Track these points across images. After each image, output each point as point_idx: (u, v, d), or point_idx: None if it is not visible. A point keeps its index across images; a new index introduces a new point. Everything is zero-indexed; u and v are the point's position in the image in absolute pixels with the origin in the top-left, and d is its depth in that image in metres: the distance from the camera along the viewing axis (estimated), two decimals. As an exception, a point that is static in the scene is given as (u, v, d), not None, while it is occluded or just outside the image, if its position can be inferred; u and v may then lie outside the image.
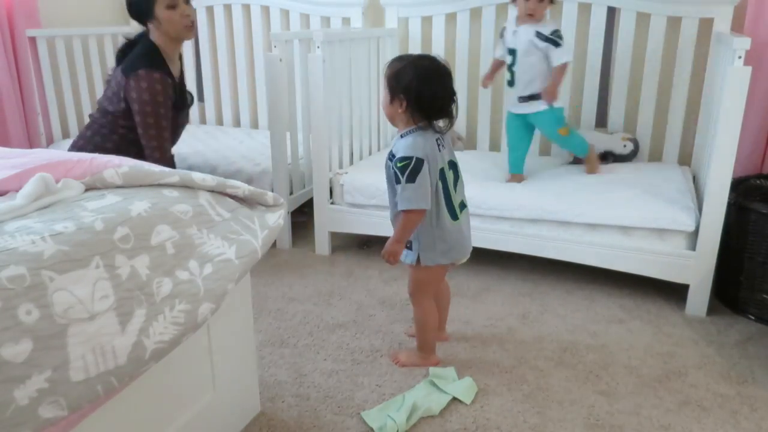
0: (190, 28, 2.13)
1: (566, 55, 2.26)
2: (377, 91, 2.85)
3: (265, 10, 3.27)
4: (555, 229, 2.19)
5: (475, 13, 2.86)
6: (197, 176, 1.24)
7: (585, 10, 2.67)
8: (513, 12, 2.38)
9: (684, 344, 1.88)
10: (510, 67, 2.36)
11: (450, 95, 1.54)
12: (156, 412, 1.21)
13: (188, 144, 3.06)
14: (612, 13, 2.66)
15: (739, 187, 2.17)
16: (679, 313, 2.06)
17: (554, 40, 2.24)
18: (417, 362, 1.75)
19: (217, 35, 3.41)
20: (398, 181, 1.53)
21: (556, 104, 2.34)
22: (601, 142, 2.61)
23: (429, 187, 1.54)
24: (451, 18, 2.91)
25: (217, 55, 3.47)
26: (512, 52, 2.33)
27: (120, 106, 2.11)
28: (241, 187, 1.30)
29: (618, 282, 2.25)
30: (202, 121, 3.68)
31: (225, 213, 1.25)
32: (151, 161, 1.90)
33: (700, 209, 2.04)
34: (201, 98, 3.62)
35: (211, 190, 1.27)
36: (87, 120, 3.34)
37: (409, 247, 1.63)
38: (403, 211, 1.55)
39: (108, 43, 3.41)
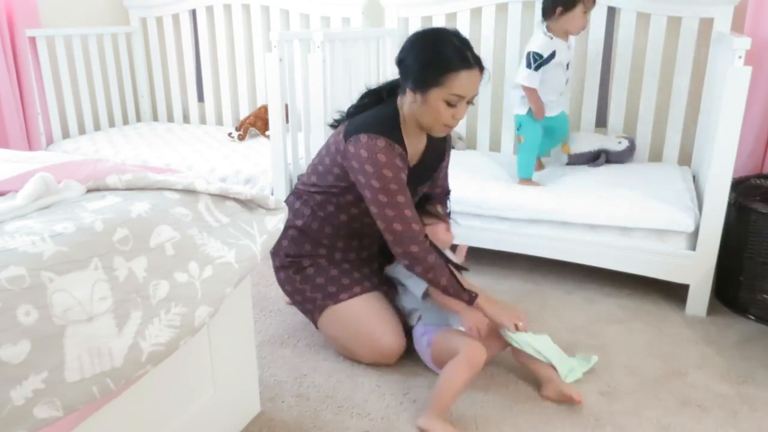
0: (447, 129, 1.67)
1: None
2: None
3: (265, 10, 3.27)
4: (555, 229, 2.19)
5: (475, 13, 2.86)
6: (201, 184, 1.23)
7: (585, 9, 2.67)
8: (542, 34, 2.29)
9: (684, 344, 1.88)
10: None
11: None
12: (156, 412, 1.21)
13: (188, 143, 3.07)
14: (612, 13, 2.66)
15: (739, 187, 2.17)
16: (679, 313, 2.06)
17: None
18: None
19: (217, 35, 3.41)
20: None
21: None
22: (595, 140, 2.62)
23: None
24: (451, 18, 2.90)
25: (217, 55, 3.47)
26: (568, 65, 2.39)
27: (332, 174, 1.72)
28: (244, 193, 1.30)
29: (618, 282, 2.25)
30: (202, 121, 3.68)
31: (223, 218, 1.24)
32: (402, 249, 1.61)
33: (700, 209, 2.04)
34: (201, 98, 3.62)
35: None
36: (86, 120, 3.37)
37: None
38: None
39: (108, 43, 3.41)
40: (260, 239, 1.27)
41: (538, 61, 2.25)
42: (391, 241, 1.63)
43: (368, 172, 1.59)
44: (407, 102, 1.65)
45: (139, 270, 1.01)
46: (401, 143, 1.64)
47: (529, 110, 2.34)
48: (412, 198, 1.67)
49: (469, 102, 1.61)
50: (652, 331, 1.96)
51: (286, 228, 1.81)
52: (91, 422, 1.03)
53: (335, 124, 1.81)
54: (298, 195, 1.83)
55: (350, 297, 1.75)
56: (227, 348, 1.40)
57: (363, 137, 1.60)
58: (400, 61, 1.65)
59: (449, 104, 1.58)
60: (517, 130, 2.42)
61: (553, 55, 2.27)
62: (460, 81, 1.55)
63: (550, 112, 2.40)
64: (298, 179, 1.87)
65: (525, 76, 2.29)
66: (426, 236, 1.64)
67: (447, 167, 1.92)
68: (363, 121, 1.66)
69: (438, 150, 1.82)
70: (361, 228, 1.79)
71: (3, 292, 0.81)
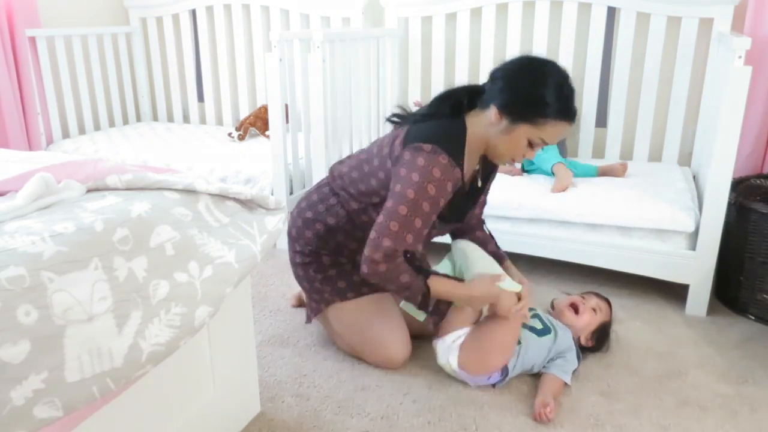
0: (512, 162, 1.68)
1: None
2: (377, 90, 2.86)
3: (265, 10, 3.27)
4: (555, 229, 2.19)
5: (475, 13, 2.86)
6: (201, 184, 1.23)
7: (585, 10, 2.67)
8: None
9: (684, 344, 1.88)
10: None
11: None
12: (156, 412, 1.21)
13: (188, 143, 3.07)
14: (612, 13, 2.66)
15: (739, 187, 2.17)
16: (679, 313, 2.06)
17: None
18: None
19: (217, 35, 3.42)
20: None
21: None
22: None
23: None
24: (451, 18, 2.91)
25: (217, 55, 3.47)
26: None
27: (377, 178, 1.61)
28: (244, 193, 1.30)
29: (618, 282, 2.25)
30: (202, 121, 3.68)
31: (223, 218, 1.24)
32: (370, 254, 1.51)
33: (700, 209, 2.04)
34: (201, 98, 3.62)
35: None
36: (86, 120, 3.37)
37: None
38: None
39: (108, 43, 3.41)
40: (260, 239, 1.27)
41: None
42: (371, 246, 1.52)
43: (412, 180, 1.48)
44: (485, 119, 1.53)
45: (139, 270, 1.01)
46: (461, 165, 1.54)
47: None
48: (454, 222, 1.70)
49: None
50: (652, 331, 1.96)
51: (314, 221, 1.74)
52: (91, 422, 1.03)
53: (396, 121, 1.69)
54: (334, 190, 1.74)
55: (357, 296, 1.74)
56: (227, 348, 1.40)
57: (427, 147, 1.48)
58: (496, 78, 1.53)
59: (530, 143, 1.51)
60: None
61: None
62: (555, 129, 1.48)
63: None
64: (333, 168, 1.76)
65: None
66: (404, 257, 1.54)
67: (487, 194, 1.82)
68: (429, 131, 1.53)
69: (487, 173, 1.73)
70: None
71: (3, 292, 0.81)
